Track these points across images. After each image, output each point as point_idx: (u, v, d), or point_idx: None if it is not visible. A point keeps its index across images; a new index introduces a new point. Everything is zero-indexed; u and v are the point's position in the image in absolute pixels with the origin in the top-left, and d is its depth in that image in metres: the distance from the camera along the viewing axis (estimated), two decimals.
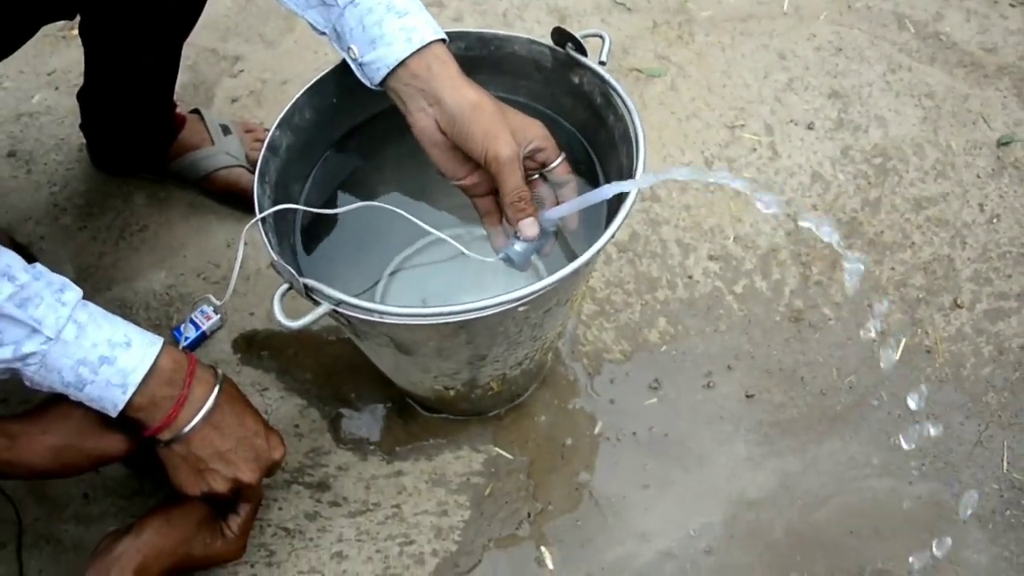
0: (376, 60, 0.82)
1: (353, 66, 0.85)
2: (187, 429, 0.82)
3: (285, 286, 0.78)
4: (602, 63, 0.91)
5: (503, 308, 0.75)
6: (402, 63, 0.82)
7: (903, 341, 1.20)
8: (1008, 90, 1.45)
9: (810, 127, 1.39)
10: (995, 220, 1.31)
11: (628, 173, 0.85)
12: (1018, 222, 1.31)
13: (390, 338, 0.83)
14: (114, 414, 0.79)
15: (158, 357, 0.80)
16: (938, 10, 1.55)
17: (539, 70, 0.97)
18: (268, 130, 1.33)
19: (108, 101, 1.23)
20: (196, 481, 0.86)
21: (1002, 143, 1.38)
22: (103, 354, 0.77)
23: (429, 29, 0.82)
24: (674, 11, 1.54)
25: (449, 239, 0.93)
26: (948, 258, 1.27)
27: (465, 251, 0.92)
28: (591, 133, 0.96)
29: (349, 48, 0.84)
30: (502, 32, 0.96)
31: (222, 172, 1.31)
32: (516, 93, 0.99)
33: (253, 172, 1.28)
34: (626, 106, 0.88)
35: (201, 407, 0.83)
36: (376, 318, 0.75)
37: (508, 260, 0.88)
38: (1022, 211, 1.32)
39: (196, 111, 1.34)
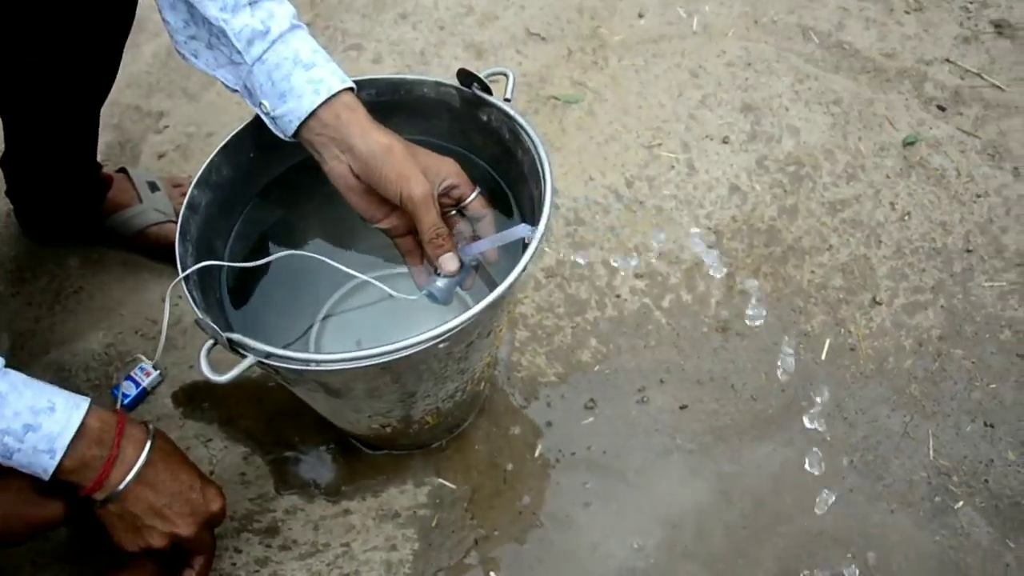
0: (287, 113, 0.85)
1: (266, 120, 0.88)
2: (120, 488, 0.83)
3: (210, 342, 0.79)
4: (507, 100, 0.95)
5: (423, 347, 0.77)
6: (312, 114, 0.84)
7: (828, 341, 1.25)
8: (909, 92, 1.52)
9: (725, 141, 1.44)
10: (906, 217, 1.36)
11: (539, 205, 0.88)
12: (928, 218, 1.37)
13: (319, 383, 0.86)
14: (46, 479, 0.80)
15: (85, 418, 0.81)
16: (840, 20, 1.62)
17: (449, 110, 1.00)
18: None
19: (31, 166, 1.24)
20: (134, 538, 0.87)
21: (907, 143, 1.44)
22: (27, 422, 0.77)
23: (336, 79, 0.85)
24: (587, 38, 1.58)
25: (374, 281, 0.96)
26: (865, 257, 1.32)
27: (391, 292, 0.95)
28: (503, 168, 0.99)
29: (261, 104, 0.87)
30: (410, 76, 0.99)
31: (152, 228, 1.32)
32: (429, 134, 1.02)
33: None
34: (532, 141, 0.91)
35: (133, 465, 0.84)
36: (300, 366, 0.78)
37: (432, 296, 0.91)
38: (931, 207, 1.38)
39: (122, 170, 1.35)
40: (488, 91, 0.95)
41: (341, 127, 0.85)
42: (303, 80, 0.84)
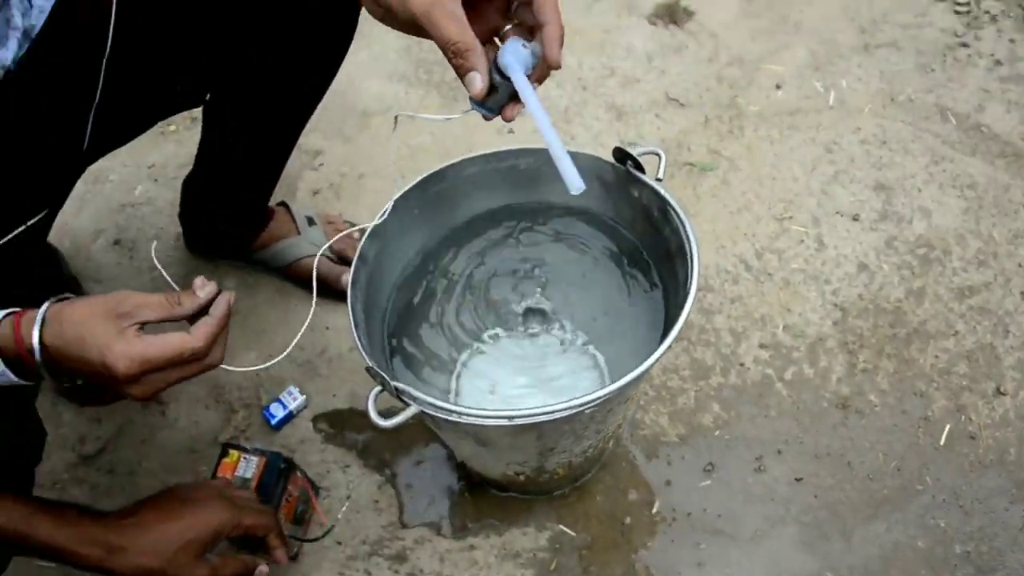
0: None
1: None
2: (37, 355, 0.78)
3: (378, 388, 0.88)
4: (659, 179, 1.01)
5: (571, 411, 0.84)
6: None
7: (948, 427, 1.26)
8: None
9: (856, 218, 1.47)
10: None
11: (684, 284, 0.94)
12: None
13: (471, 434, 0.93)
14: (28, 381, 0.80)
15: None
16: (980, 102, 1.63)
17: (602, 183, 1.06)
18: (348, 222, 1.46)
19: (213, 190, 1.36)
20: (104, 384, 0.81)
21: None
22: None
23: None
24: (725, 106, 1.64)
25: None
26: (991, 346, 1.33)
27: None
28: (649, 242, 1.05)
29: None
30: (568, 149, 1.06)
31: (306, 260, 1.42)
32: (580, 201, 1.09)
33: (335, 261, 1.41)
34: (682, 222, 0.97)
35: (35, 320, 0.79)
36: (457, 419, 0.85)
37: (478, 108, 0.82)
38: None
39: (283, 203, 1.47)
40: (641, 169, 1.01)
41: None
42: None
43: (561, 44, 0.76)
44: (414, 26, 0.74)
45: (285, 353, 0.96)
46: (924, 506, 1.20)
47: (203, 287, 0.84)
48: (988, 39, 1.72)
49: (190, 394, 1.36)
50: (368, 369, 0.88)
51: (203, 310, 0.84)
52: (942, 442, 1.25)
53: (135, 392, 0.79)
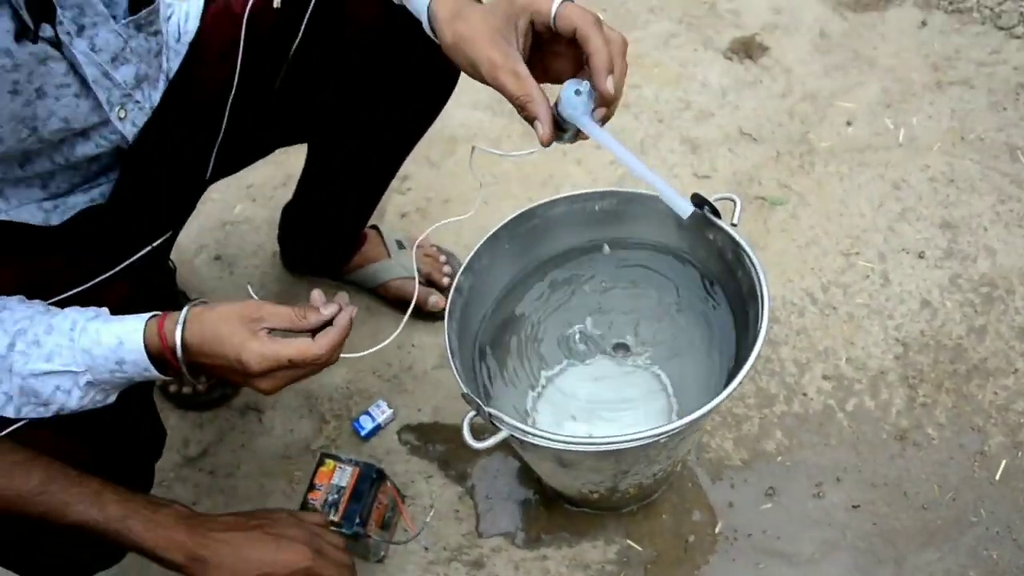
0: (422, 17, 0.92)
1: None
2: (180, 355, 0.89)
3: (472, 412, 0.97)
4: (734, 225, 1.08)
5: (649, 440, 0.92)
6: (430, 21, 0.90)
7: (1004, 462, 1.32)
8: None
9: (921, 256, 1.52)
10: None
11: (754, 322, 1.02)
12: None
13: (552, 455, 1.02)
14: (158, 377, 0.91)
15: (145, 336, 0.88)
16: None
17: (679, 225, 1.15)
18: (435, 246, 1.56)
19: (312, 219, 1.47)
20: (235, 378, 0.92)
21: None
22: (117, 361, 0.88)
23: None
24: (796, 142, 1.70)
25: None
26: None
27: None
28: (723, 283, 1.13)
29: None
30: (648, 192, 1.15)
31: (396, 282, 1.53)
32: (658, 238, 1.18)
33: (423, 283, 1.51)
34: (754, 266, 1.04)
35: (175, 341, 0.89)
36: (544, 443, 0.94)
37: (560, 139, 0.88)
38: None
39: (375, 227, 1.57)
40: (717, 214, 1.09)
41: (439, 24, 0.88)
42: None
43: (609, 71, 0.82)
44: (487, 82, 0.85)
45: (386, 343, 1.06)
46: (977, 538, 1.26)
47: (325, 305, 0.95)
48: None
49: (285, 404, 1.48)
50: (464, 395, 0.97)
51: (324, 324, 0.94)
52: (998, 476, 1.31)
53: (263, 385, 0.91)
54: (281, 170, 1.77)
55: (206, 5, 1.14)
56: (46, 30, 0.83)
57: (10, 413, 0.86)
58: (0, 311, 0.87)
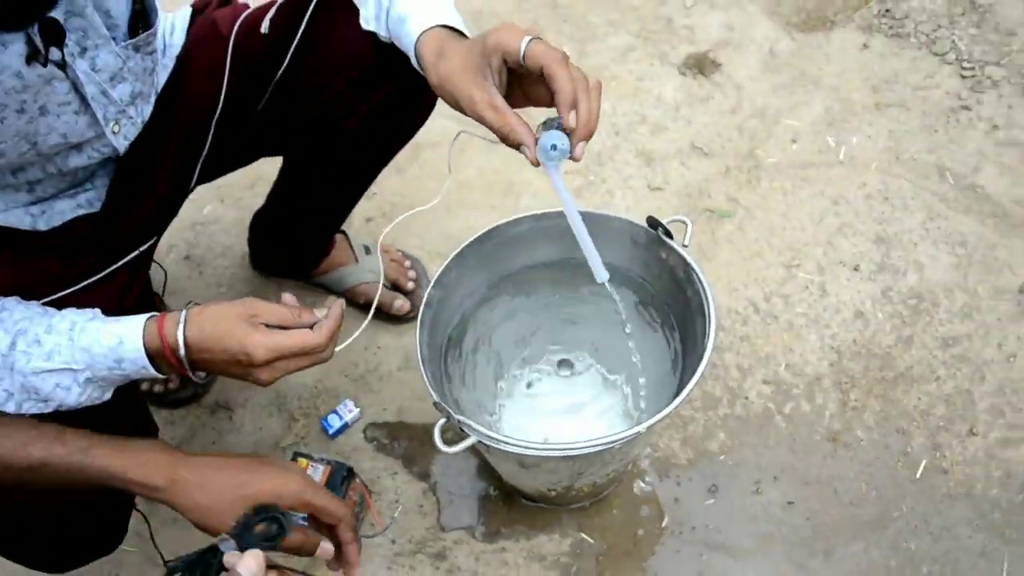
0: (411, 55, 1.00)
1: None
2: (182, 351, 0.94)
3: (443, 419, 1.05)
4: (684, 246, 1.18)
5: (606, 446, 1.01)
6: (418, 62, 0.98)
7: (924, 462, 1.44)
8: None
9: (856, 269, 1.64)
10: (1012, 359, 1.53)
11: (701, 341, 1.11)
12: None
13: (516, 459, 1.11)
14: (159, 375, 0.96)
15: (144, 338, 0.93)
16: (976, 164, 1.79)
17: (635, 243, 1.24)
18: (400, 251, 1.63)
19: (283, 226, 1.53)
20: (243, 377, 0.97)
21: (1023, 290, 1.61)
22: (115, 359, 0.94)
23: (416, 22, 0.98)
24: (744, 157, 1.80)
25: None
26: (968, 391, 1.50)
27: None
28: (672, 297, 1.23)
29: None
30: (609, 213, 1.23)
31: (362, 286, 1.60)
32: (613, 257, 1.26)
33: (389, 288, 1.58)
34: (702, 285, 1.14)
35: (178, 338, 0.94)
36: (509, 448, 1.03)
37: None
38: None
39: (343, 232, 1.64)
40: (670, 235, 1.18)
41: (426, 65, 0.96)
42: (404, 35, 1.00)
43: (572, 107, 0.90)
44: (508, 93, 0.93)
45: (356, 334, 1.13)
46: (898, 531, 1.37)
47: (318, 309, 1.01)
48: (989, 103, 1.87)
49: (255, 402, 1.54)
50: (436, 404, 1.05)
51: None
52: (918, 475, 1.42)
53: (264, 376, 0.96)
54: (250, 172, 1.81)
55: (192, 18, 1.20)
56: (55, 53, 0.89)
57: (11, 409, 0.91)
58: (0, 311, 0.93)
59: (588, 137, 0.92)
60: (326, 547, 0.99)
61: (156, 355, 0.95)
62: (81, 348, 0.93)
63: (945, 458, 1.44)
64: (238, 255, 1.73)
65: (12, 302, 0.95)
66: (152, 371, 0.95)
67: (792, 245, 1.67)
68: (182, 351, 0.94)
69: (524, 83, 0.96)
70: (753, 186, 1.76)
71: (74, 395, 0.95)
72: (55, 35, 0.87)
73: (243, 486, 0.95)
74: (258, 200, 1.68)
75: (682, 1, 2.10)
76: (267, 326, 0.96)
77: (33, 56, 0.86)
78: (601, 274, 1.05)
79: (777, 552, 1.36)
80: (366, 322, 1.15)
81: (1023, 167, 1.79)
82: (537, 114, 0.96)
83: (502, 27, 0.91)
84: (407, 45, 0.98)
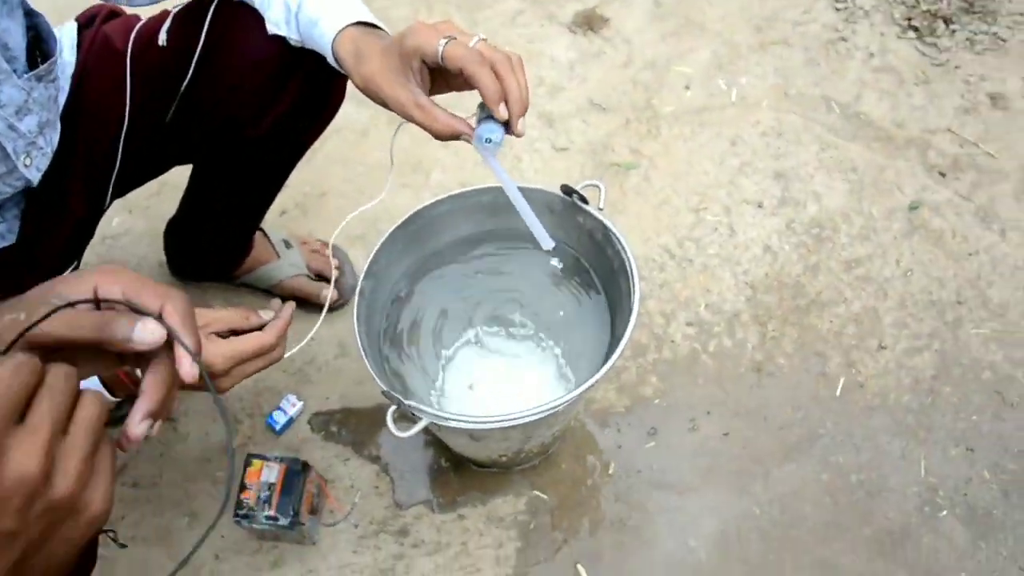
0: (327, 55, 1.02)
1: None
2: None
3: (394, 407, 1.09)
4: (600, 209, 1.23)
5: (551, 411, 1.06)
6: (335, 60, 1.00)
7: (842, 380, 1.54)
8: (915, 159, 1.79)
9: (760, 206, 1.72)
10: (909, 274, 1.65)
11: (626, 298, 1.17)
12: (927, 274, 1.65)
13: (467, 434, 1.15)
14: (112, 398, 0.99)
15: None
16: (858, 92, 1.89)
17: (552, 212, 1.28)
18: (319, 240, 1.64)
19: (198, 233, 1.53)
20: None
21: (912, 207, 1.72)
22: (311, 21, 0.99)
23: (329, 24, 0.99)
24: (642, 108, 1.86)
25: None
26: (874, 309, 1.61)
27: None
28: (594, 260, 1.28)
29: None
30: (523, 185, 1.27)
31: (288, 281, 1.61)
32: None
33: (314, 279, 1.60)
34: (620, 243, 1.19)
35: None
36: (462, 426, 1.07)
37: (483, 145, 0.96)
38: (929, 265, 1.66)
39: (260, 229, 1.64)
40: (585, 201, 1.23)
41: (345, 65, 0.98)
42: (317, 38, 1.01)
43: (500, 100, 0.90)
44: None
45: (307, 340, 1.15)
46: (825, 447, 1.47)
47: (264, 311, 1.04)
48: (863, 33, 1.97)
49: (196, 410, 1.55)
50: (384, 393, 1.08)
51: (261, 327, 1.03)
52: (838, 393, 1.53)
53: (224, 384, 0.99)
54: (155, 180, 1.79)
55: (79, 33, 1.18)
56: None
57: None
58: None
59: (523, 113, 0.93)
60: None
61: (109, 380, 0.96)
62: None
63: (860, 373, 1.54)
64: (154, 264, 1.72)
65: None
66: (109, 397, 0.96)
67: (697, 189, 1.74)
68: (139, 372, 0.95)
69: (445, 75, 0.96)
70: (654, 136, 1.82)
71: None
72: None
73: None
74: (165, 207, 1.67)
75: None
76: (217, 334, 0.98)
77: None
78: (547, 242, 1.07)
79: (719, 483, 1.45)
80: (318, 324, 1.17)
81: (900, 91, 1.90)
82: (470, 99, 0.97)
83: (417, 28, 0.91)
84: (323, 46, 0.98)
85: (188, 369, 0.58)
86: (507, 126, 0.94)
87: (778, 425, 1.50)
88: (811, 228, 1.69)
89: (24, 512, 0.46)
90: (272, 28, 1.04)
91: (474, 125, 0.96)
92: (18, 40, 0.95)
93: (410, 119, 0.94)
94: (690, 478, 1.45)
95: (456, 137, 0.94)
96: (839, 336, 1.58)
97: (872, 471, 1.45)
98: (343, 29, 0.96)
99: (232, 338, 0.98)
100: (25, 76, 0.96)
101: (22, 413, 0.47)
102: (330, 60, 0.99)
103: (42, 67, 0.98)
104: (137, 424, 0.57)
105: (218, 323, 0.99)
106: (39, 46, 1.00)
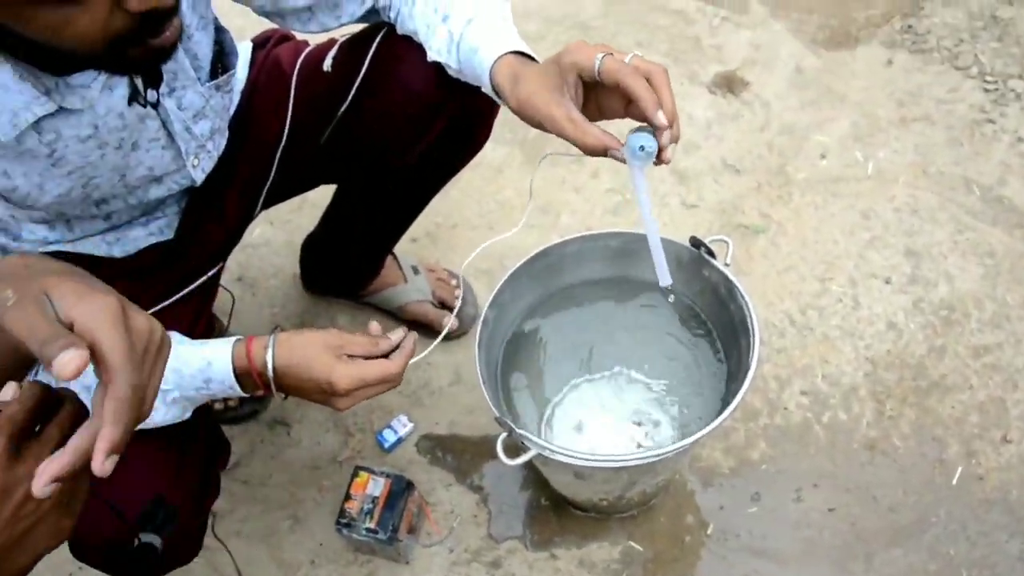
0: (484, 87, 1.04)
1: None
2: (271, 382, 1.02)
3: (505, 434, 1.11)
4: (727, 264, 1.23)
5: (659, 458, 1.07)
6: (491, 86, 1.02)
7: (960, 469, 1.48)
8: None
9: (888, 281, 1.69)
10: None
11: (744, 356, 1.17)
12: None
13: (572, 469, 1.16)
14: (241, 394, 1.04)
15: (233, 359, 1.01)
16: (1001, 175, 1.84)
17: (678, 262, 1.29)
18: (446, 270, 1.69)
19: (334, 251, 1.60)
20: (322, 403, 1.04)
21: None
22: (204, 379, 1.01)
23: (490, 51, 1.01)
24: (775, 173, 1.86)
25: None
26: (1001, 399, 1.55)
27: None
28: (715, 317, 1.28)
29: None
30: None
31: (412, 305, 1.66)
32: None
33: (437, 306, 1.65)
34: (744, 300, 1.19)
35: (266, 366, 1.01)
36: (569, 461, 1.08)
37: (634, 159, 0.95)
38: None
39: (392, 253, 1.70)
40: (712, 255, 1.24)
41: (501, 89, 1.00)
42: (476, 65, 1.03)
43: (658, 107, 0.90)
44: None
45: (427, 351, 1.18)
46: (936, 536, 1.42)
47: (392, 332, 1.09)
48: (1012, 116, 1.92)
49: (311, 418, 1.61)
50: (497, 419, 1.11)
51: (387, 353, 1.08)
52: (954, 482, 1.47)
53: (342, 404, 1.03)
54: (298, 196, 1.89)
55: (253, 53, 1.27)
56: (151, 94, 0.97)
57: None
58: None
59: (676, 139, 0.94)
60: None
61: (243, 375, 1.02)
62: (172, 369, 1.00)
63: (980, 464, 1.49)
64: (289, 275, 1.80)
65: None
66: (239, 390, 1.02)
67: (825, 258, 1.72)
68: (270, 373, 1.00)
69: (599, 96, 0.98)
70: (785, 201, 1.81)
71: (160, 414, 1.02)
72: (154, 78, 0.95)
73: None
74: (305, 222, 1.75)
75: (709, 21, 2.16)
76: (349, 356, 1.03)
77: (133, 97, 0.95)
78: (665, 278, 1.06)
79: (820, 558, 1.41)
80: (433, 345, 1.20)
81: None
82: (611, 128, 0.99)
83: (575, 46, 0.94)
84: (480, 73, 1.02)
85: (99, 466, 0.55)
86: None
87: (887, 507, 1.45)
88: (940, 309, 1.65)
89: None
90: (433, 56, 1.09)
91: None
92: (206, 52, 1.04)
93: (562, 133, 0.94)
94: (790, 549, 1.42)
95: (604, 152, 0.94)
96: (960, 423, 1.53)
97: (985, 569, 1.39)
98: (502, 56, 1.00)
99: (360, 362, 1.03)
100: (206, 84, 1.05)
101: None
102: (486, 87, 1.03)
103: (221, 78, 1.07)
104: (101, 464, 0.55)
105: (353, 347, 1.05)
106: (221, 59, 1.08)
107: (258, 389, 1.04)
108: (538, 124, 0.97)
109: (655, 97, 0.91)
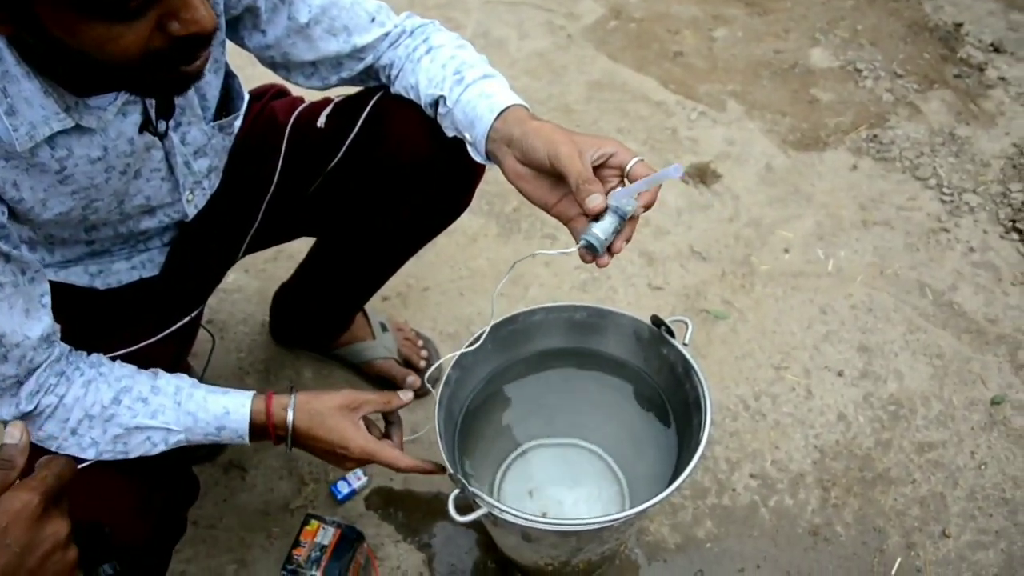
0: (476, 138, 1.07)
1: (470, 149, 1.10)
2: (290, 440, 1.11)
3: (458, 490, 1.14)
4: (685, 344, 1.28)
5: (605, 524, 1.10)
6: (491, 127, 1.05)
7: (899, 560, 1.52)
8: (1004, 356, 1.80)
9: (840, 374, 1.75)
10: (983, 467, 1.64)
11: (696, 434, 1.21)
12: (1002, 470, 1.63)
13: (520, 531, 1.19)
14: (249, 443, 1.10)
15: (251, 411, 1.08)
16: (954, 282, 1.92)
17: (638, 338, 1.34)
18: (414, 331, 1.73)
19: (308, 303, 1.63)
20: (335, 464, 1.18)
21: (994, 402, 1.72)
22: (216, 426, 1.07)
23: (504, 98, 1.06)
24: (740, 262, 1.93)
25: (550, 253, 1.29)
26: (941, 495, 1.60)
27: (558, 252, 1.22)
28: (671, 391, 1.33)
29: (464, 136, 1.10)
30: (615, 309, 1.34)
31: (378, 362, 1.69)
32: (618, 350, 1.37)
33: (401, 364, 1.68)
34: (700, 381, 1.24)
35: (286, 425, 1.10)
36: (519, 522, 1.11)
37: (589, 246, 1.00)
38: (1006, 461, 1.65)
39: (362, 309, 1.74)
40: (672, 334, 1.29)
41: (506, 128, 1.03)
42: (484, 106, 1.06)
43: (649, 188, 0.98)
44: (563, 195, 1.01)
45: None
46: None
47: (404, 392, 1.22)
48: (966, 227, 2.02)
49: (267, 464, 1.62)
50: (450, 475, 1.14)
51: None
52: (893, 572, 1.51)
53: (348, 466, 1.16)
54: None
55: (249, 103, 1.32)
56: (161, 125, 1.01)
57: (90, 456, 1.01)
58: (99, 366, 1.03)
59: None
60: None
61: (258, 429, 1.08)
62: (187, 412, 1.06)
63: (919, 557, 1.53)
64: (258, 323, 1.83)
65: (103, 358, 1.05)
66: (246, 440, 1.09)
67: (781, 348, 1.78)
68: (290, 432, 1.09)
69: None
70: (747, 291, 1.88)
71: (157, 450, 1.06)
72: (167, 109, 1.01)
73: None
74: (280, 272, 1.79)
75: (687, 114, 2.25)
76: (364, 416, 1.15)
77: (144, 126, 0.99)
78: (673, 172, 0.98)
79: None
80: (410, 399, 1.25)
81: (997, 288, 1.92)
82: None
83: (614, 140, 1.00)
84: (482, 113, 1.05)
85: None
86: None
87: None
88: (888, 404, 1.71)
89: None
90: (430, 90, 1.12)
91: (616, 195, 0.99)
92: (214, 93, 1.09)
93: (566, 170, 0.96)
94: None
95: (590, 193, 0.96)
96: (902, 516, 1.57)
97: None
98: (516, 105, 1.05)
99: (376, 440, 1.14)
100: (211, 124, 1.10)
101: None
102: (478, 148, 1.07)
103: (226, 119, 1.12)
104: None
105: (368, 406, 1.13)
106: (228, 102, 1.14)
107: (265, 440, 1.09)
108: (539, 162, 0.99)
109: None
